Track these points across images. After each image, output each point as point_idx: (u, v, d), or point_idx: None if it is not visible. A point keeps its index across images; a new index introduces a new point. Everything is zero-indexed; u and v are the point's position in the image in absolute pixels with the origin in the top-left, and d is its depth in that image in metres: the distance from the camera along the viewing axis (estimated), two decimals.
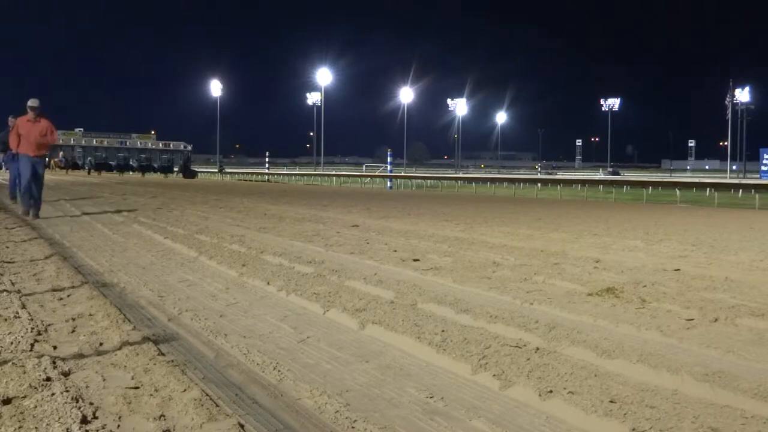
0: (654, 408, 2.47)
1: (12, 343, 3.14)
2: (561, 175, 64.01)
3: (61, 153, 56.08)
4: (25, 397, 2.42)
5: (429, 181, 41.81)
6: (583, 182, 33.38)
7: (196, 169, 65.02)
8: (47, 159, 9.38)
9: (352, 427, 2.33)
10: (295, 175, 62.32)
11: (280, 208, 14.18)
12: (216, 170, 67.64)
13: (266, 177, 56.81)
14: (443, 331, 3.52)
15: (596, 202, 22.60)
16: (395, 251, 6.90)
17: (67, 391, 2.46)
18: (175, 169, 65.40)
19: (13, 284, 4.68)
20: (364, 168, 76.57)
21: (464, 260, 6.30)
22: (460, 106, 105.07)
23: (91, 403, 2.41)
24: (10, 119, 13.13)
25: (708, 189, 28.63)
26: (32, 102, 10.33)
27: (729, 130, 68.50)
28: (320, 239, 7.93)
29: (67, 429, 2.15)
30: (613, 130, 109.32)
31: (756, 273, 5.84)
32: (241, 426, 2.27)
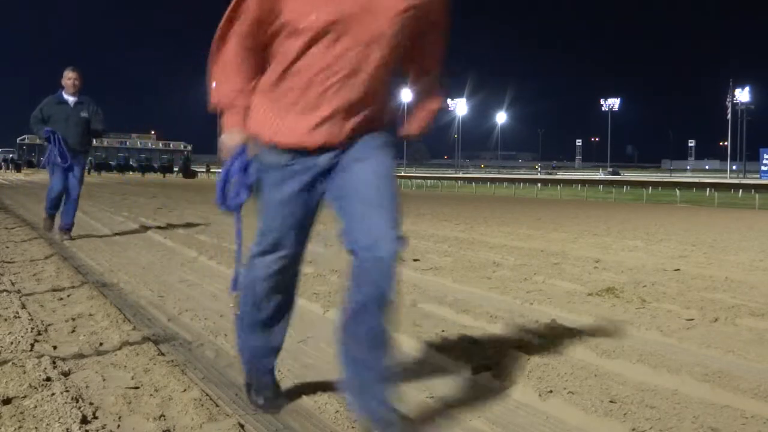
0: (654, 408, 2.47)
1: (12, 343, 3.13)
2: (561, 175, 64.00)
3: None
4: (25, 397, 2.42)
5: (429, 181, 41.79)
6: (583, 182, 33.37)
7: (196, 169, 65.00)
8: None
9: (352, 428, 2.33)
10: None
11: None
12: (215, 170, 67.36)
13: None
14: (443, 330, 3.52)
15: (596, 202, 22.59)
16: None
17: (67, 391, 2.46)
18: (175, 169, 65.32)
19: (13, 284, 4.67)
20: None
21: (464, 260, 6.30)
22: (460, 106, 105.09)
23: (91, 403, 2.41)
24: (69, 72, 7.76)
25: (708, 189, 28.65)
26: None
27: (729, 130, 68.61)
28: (320, 239, 7.92)
29: (67, 429, 2.15)
30: (613, 130, 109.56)
31: (756, 273, 5.84)
32: (241, 426, 2.27)
